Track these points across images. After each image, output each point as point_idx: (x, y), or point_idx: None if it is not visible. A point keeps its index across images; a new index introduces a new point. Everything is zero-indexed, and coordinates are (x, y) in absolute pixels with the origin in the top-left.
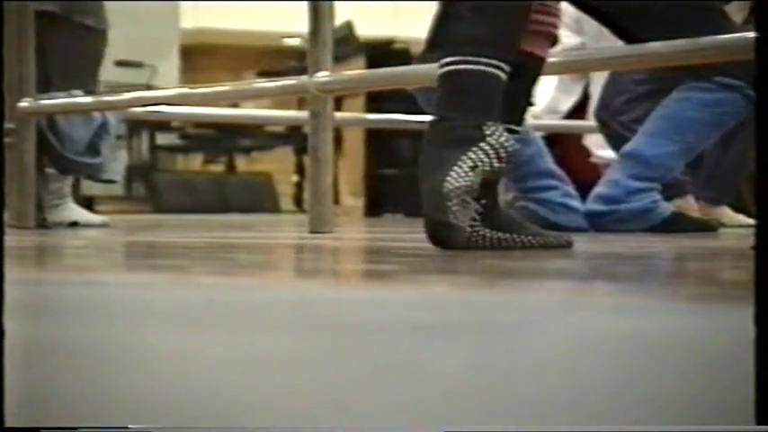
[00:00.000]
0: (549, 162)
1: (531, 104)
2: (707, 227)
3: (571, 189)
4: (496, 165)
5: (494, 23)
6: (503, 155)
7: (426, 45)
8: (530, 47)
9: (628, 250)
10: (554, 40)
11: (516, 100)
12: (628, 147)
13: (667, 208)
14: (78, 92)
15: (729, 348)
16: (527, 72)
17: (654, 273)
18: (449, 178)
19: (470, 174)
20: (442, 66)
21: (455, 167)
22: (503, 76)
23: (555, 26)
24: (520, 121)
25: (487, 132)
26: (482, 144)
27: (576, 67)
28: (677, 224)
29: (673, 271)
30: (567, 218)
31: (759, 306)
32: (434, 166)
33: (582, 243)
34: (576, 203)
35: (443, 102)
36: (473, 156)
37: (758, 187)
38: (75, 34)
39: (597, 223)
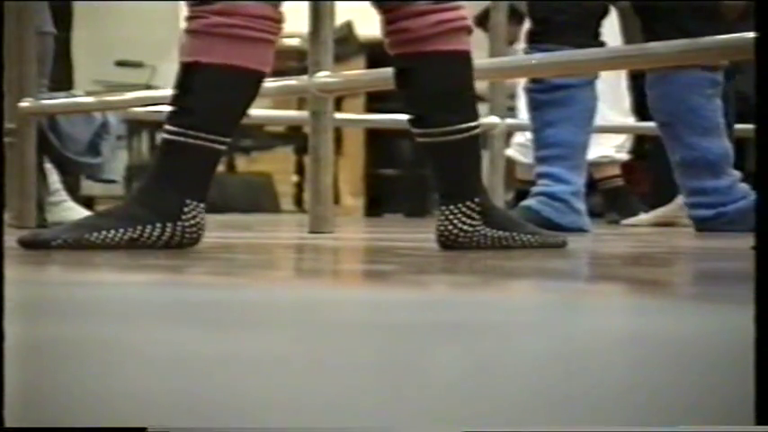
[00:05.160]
0: (583, 157)
1: (477, 97)
2: None
3: (582, 188)
4: (162, 243)
5: (216, 99)
6: (175, 240)
7: None
8: (442, 45)
9: (627, 250)
10: (469, 31)
11: (455, 98)
12: None
13: None
14: (79, 92)
15: (729, 348)
16: (454, 69)
17: (653, 273)
18: (104, 232)
19: (123, 241)
20: (165, 130)
21: (121, 229)
22: (220, 148)
23: (461, 19)
24: (475, 116)
25: (185, 210)
26: (168, 224)
27: (576, 68)
28: None
29: (673, 271)
30: (570, 219)
31: (759, 306)
32: (116, 212)
33: (582, 243)
34: (580, 204)
35: (158, 164)
36: (148, 230)
37: (758, 187)
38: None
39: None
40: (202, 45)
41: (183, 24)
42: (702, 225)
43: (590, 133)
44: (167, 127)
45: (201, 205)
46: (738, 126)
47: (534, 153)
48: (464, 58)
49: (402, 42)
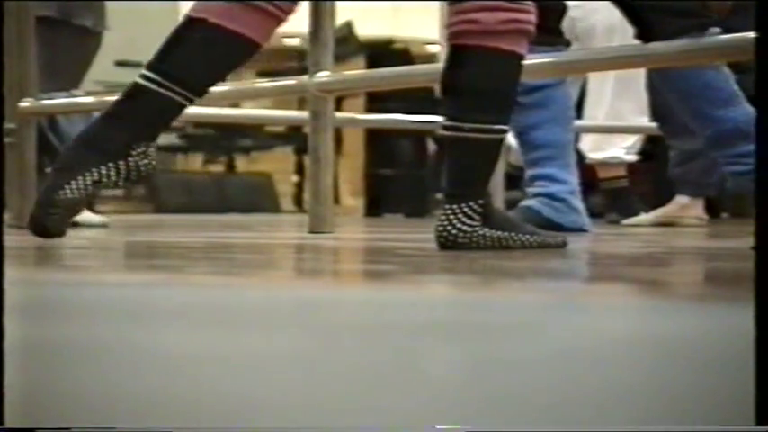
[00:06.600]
0: (571, 155)
1: (517, 103)
2: None
3: (577, 187)
4: (121, 183)
5: (189, 56)
6: (134, 176)
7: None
8: (505, 45)
9: (627, 250)
10: (531, 36)
11: (499, 99)
12: None
13: None
14: (78, 92)
15: (729, 348)
16: (506, 70)
17: (653, 273)
18: (66, 188)
19: (89, 188)
20: (141, 76)
21: (80, 176)
22: (183, 103)
23: (529, 23)
24: (507, 121)
25: (132, 152)
26: (120, 162)
27: (577, 68)
28: None
29: (672, 271)
30: (570, 219)
31: (759, 306)
32: (69, 163)
33: (582, 243)
34: (579, 203)
35: (114, 109)
36: (103, 171)
37: (758, 187)
38: (70, 36)
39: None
40: (217, 6)
41: None
42: (737, 181)
43: (573, 131)
44: (143, 72)
45: (152, 144)
46: None
47: (523, 157)
48: (518, 61)
49: (466, 33)
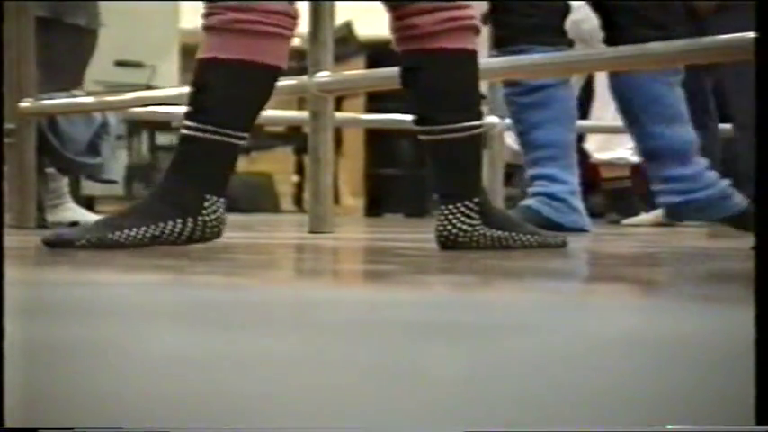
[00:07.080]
0: (573, 155)
1: (481, 97)
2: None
3: (578, 187)
4: (184, 239)
5: (234, 96)
6: (197, 236)
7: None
8: (449, 44)
9: (627, 250)
10: (477, 31)
11: (458, 97)
12: None
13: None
14: (79, 92)
15: (729, 348)
16: (459, 68)
17: (653, 273)
18: (126, 231)
19: (146, 240)
20: (183, 126)
21: (144, 227)
22: (235, 142)
23: (469, 18)
24: (479, 116)
25: (205, 205)
26: (189, 219)
27: (577, 68)
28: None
29: (672, 271)
30: (570, 218)
31: (759, 306)
32: (141, 210)
33: (582, 243)
34: (579, 203)
35: (177, 161)
36: (169, 226)
37: (758, 187)
38: (64, 35)
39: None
40: (219, 41)
41: (183, 24)
42: (673, 211)
43: (575, 132)
44: (185, 123)
45: (221, 200)
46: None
47: (524, 157)
48: (469, 57)
49: (408, 39)
